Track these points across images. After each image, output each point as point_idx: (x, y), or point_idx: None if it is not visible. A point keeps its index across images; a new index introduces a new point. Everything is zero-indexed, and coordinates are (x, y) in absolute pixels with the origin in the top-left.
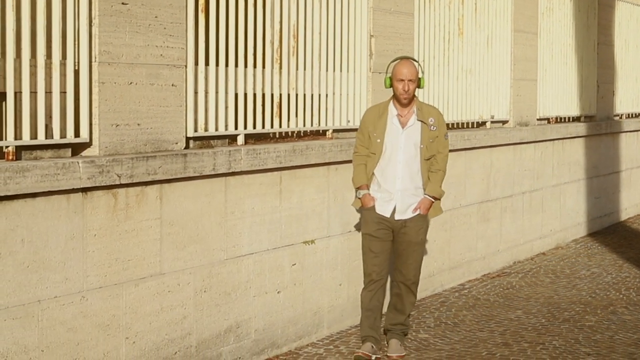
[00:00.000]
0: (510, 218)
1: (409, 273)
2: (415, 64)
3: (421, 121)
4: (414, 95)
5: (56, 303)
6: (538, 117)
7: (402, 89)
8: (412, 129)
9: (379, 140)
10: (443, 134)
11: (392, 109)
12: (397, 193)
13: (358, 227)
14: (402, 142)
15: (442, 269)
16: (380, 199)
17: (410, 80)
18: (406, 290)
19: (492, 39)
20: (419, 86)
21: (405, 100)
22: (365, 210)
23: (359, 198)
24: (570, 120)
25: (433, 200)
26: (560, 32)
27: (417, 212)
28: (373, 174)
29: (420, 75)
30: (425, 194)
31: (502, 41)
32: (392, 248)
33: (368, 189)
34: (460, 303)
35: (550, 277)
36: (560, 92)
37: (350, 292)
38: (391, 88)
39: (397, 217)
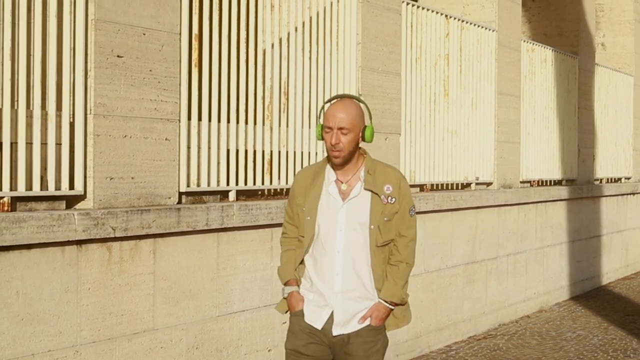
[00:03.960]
0: (495, 280)
1: None
2: (358, 105)
3: (370, 191)
4: (357, 152)
5: (50, 357)
6: (521, 180)
7: (330, 142)
8: (357, 202)
9: (309, 218)
10: (407, 209)
11: (330, 173)
12: (334, 297)
13: None
14: (341, 220)
15: (428, 330)
16: (312, 302)
17: (342, 129)
18: None
19: (477, 100)
20: (364, 138)
21: (337, 160)
22: (293, 315)
23: (285, 298)
24: (552, 183)
25: (390, 307)
26: (542, 95)
27: (367, 323)
28: (303, 263)
29: (367, 123)
30: (379, 299)
31: (486, 103)
32: None
33: (297, 285)
34: None
35: (536, 339)
36: (543, 155)
37: None
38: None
39: (335, 331)
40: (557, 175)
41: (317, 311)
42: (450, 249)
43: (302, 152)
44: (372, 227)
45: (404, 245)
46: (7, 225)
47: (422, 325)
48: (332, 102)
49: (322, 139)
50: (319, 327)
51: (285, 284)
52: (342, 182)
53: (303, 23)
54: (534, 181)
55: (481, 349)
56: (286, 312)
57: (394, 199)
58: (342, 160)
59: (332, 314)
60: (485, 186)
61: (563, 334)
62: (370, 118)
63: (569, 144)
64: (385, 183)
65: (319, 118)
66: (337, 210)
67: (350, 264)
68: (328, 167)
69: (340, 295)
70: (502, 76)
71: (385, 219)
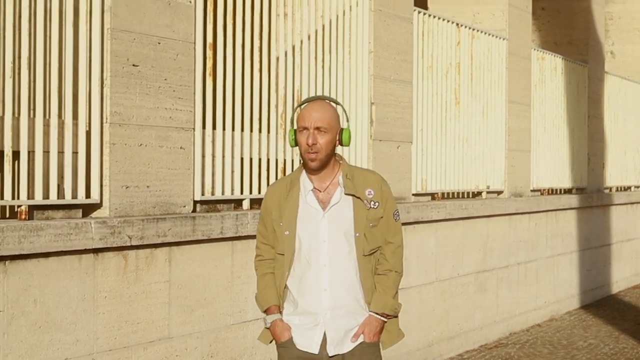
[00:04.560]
0: (506, 289)
1: None
2: (333, 107)
3: (352, 195)
4: (333, 156)
5: None
6: (531, 188)
7: (307, 142)
8: (339, 209)
9: (287, 233)
10: (391, 213)
11: (306, 182)
12: (324, 314)
13: None
14: (324, 231)
15: (440, 338)
16: (300, 326)
17: (319, 128)
18: None
19: (488, 109)
20: (341, 142)
21: (313, 163)
22: (280, 347)
23: (267, 328)
24: (562, 192)
25: (383, 319)
26: (552, 103)
27: (361, 340)
28: (286, 286)
29: (343, 126)
30: (370, 311)
31: (497, 111)
32: None
33: (280, 312)
34: None
35: (547, 348)
36: (553, 163)
37: None
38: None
39: (331, 351)
40: (567, 183)
41: (308, 334)
42: (461, 257)
43: None
44: (357, 234)
45: (391, 253)
46: (25, 233)
47: (433, 334)
48: (304, 105)
49: (296, 144)
50: (316, 351)
51: (266, 312)
52: (320, 191)
53: (316, 31)
54: (544, 190)
55: (493, 358)
56: (270, 342)
57: (377, 204)
58: (318, 163)
59: (325, 334)
60: (496, 195)
61: (574, 343)
62: (348, 121)
63: (578, 152)
64: (366, 187)
65: (293, 123)
66: (319, 221)
67: (338, 277)
68: (303, 175)
69: (330, 312)
70: (513, 84)
71: (371, 224)
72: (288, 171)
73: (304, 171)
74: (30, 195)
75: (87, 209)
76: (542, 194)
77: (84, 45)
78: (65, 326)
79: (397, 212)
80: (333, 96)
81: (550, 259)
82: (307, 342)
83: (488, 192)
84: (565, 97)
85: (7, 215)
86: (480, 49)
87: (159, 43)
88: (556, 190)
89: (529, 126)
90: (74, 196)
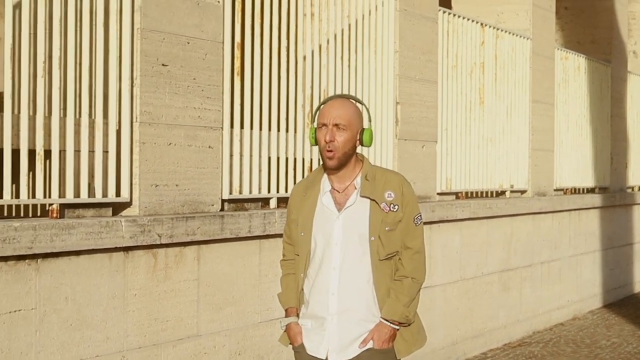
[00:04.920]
0: (529, 287)
1: None
2: (356, 106)
3: (367, 197)
4: (354, 156)
5: None
6: (555, 188)
7: (324, 139)
8: (354, 212)
9: (302, 234)
10: (411, 217)
11: (325, 182)
12: (330, 319)
13: None
14: (337, 233)
15: (464, 337)
16: (310, 330)
17: (338, 125)
18: None
19: (512, 108)
20: (362, 142)
21: (330, 162)
22: (295, 351)
23: (284, 330)
24: (585, 191)
25: (393, 326)
26: (575, 103)
27: (370, 346)
28: (302, 288)
29: (365, 126)
30: (381, 318)
31: (521, 111)
32: None
33: (297, 314)
34: None
35: (571, 347)
36: (576, 163)
37: None
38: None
39: (333, 357)
40: (590, 183)
41: (316, 339)
42: (485, 256)
43: None
44: (372, 238)
45: (408, 258)
46: (57, 231)
47: (458, 332)
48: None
49: (316, 143)
50: (323, 356)
51: (285, 314)
52: (338, 192)
53: (342, 31)
54: (567, 189)
55: (516, 357)
56: (289, 344)
57: (396, 206)
58: (336, 162)
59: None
60: (519, 194)
61: (597, 341)
62: (370, 121)
63: (601, 151)
64: (386, 189)
65: (313, 121)
66: (333, 222)
67: (348, 281)
68: (324, 177)
69: (336, 317)
70: (537, 84)
71: (387, 228)
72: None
73: (324, 170)
74: (62, 194)
75: (117, 208)
76: (565, 193)
77: (114, 45)
78: (96, 324)
79: (419, 216)
80: (359, 96)
81: (573, 258)
82: (315, 347)
83: (512, 192)
84: (589, 96)
85: (39, 214)
86: (505, 48)
87: (188, 43)
88: (579, 189)
89: (552, 126)
90: (105, 195)
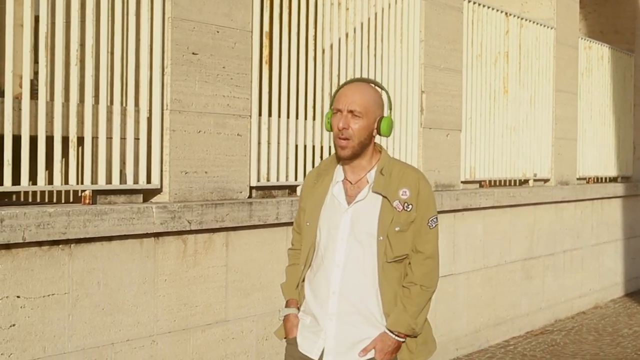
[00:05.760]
0: (552, 276)
1: None
2: (376, 91)
3: (379, 194)
4: (370, 146)
5: (128, 346)
6: (577, 177)
7: (337, 126)
8: (364, 207)
9: (308, 224)
10: (425, 219)
11: (339, 171)
12: (329, 319)
13: None
14: (344, 228)
15: (487, 324)
16: (307, 327)
17: (353, 112)
18: None
19: (535, 97)
20: (379, 132)
21: (342, 151)
22: (287, 343)
23: (281, 320)
24: (608, 180)
25: (398, 339)
26: (598, 92)
27: (370, 356)
28: (303, 280)
29: (384, 114)
30: (386, 328)
31: (544, 100)
32: None
33: (298, 307)
34: (508, 359)
35: (593, 335)
36: (599, 152)
37: None
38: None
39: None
40: (612, 172)
41: (312, 338)
42: (509, 244)
43: None
44: (380, 238)
45: (418, 264)
46: (89, 217)
47: (481, 320)
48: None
49: (332, 128)
50: (316, 358)
51: (285, 304)
52: (351, 183)
53: (368, 20)
54: (590, 178)
55: (539, 344)
56: (284, 338)
57: (410, 206)
58: (350, 151)
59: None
60: (542, 183)
61: (619, 330)
62: (391, 109)
63: (624, 141)
64: (401, 186)
65: (331, 106)
66: (340, 216)
67: (352, 281)
68: (338, 165)
69: (335, 318)
70: (560, 73)
71: (397, 229)
72: None
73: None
74: (94, 180)
75: (147, 194)
76: (587, 182)
77: (145, 34)
78: (127, 308)
79: (434, 219)
80: (385, 85)
81: (595, 247)
82: (309, 347)
83: (535, 180)
84: (612, 85)
85: (72, 200)
86: (529, 37)
87: (218, 32)
88: (602, 178)
89: (575, 115)
90: (136, 181)
